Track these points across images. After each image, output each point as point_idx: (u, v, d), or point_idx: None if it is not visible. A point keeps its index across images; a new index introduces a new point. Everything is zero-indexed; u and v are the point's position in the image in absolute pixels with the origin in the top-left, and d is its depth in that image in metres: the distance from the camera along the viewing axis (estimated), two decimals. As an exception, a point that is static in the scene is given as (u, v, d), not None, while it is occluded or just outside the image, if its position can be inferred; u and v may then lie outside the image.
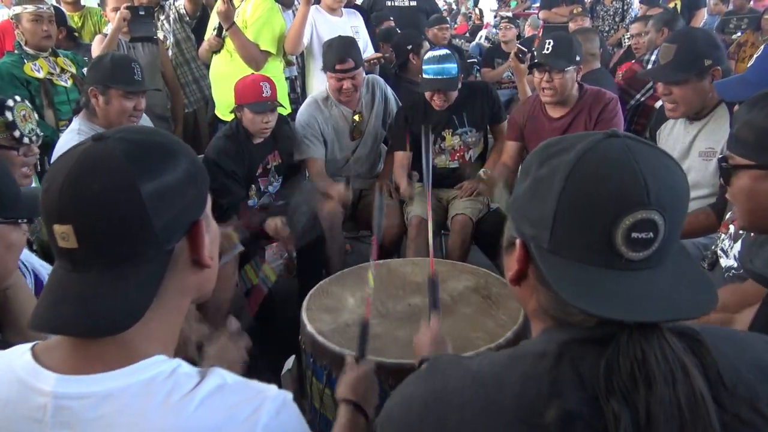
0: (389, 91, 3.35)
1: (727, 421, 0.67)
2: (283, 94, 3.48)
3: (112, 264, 0.75)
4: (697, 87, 2.17)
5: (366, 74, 3.29)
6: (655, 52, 3.99)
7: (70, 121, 2.70)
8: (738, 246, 1.77)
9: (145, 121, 2.71)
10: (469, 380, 0.74)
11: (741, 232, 1.74)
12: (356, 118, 3.17)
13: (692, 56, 2.15)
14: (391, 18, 5.07)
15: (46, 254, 1.97)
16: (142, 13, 3.40)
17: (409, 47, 4.15)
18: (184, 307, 0.85)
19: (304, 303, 1.91)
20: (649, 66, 3.93)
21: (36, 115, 1.98)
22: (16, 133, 1.82)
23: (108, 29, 3.48)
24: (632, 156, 0.70)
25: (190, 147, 0.85)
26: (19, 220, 1.25)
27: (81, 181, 0.74)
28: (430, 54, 2.94)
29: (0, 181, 1.21)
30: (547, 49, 2.67)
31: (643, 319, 0.69)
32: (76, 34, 4.07)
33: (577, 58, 2.69)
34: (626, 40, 5.79)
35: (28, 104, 1.93)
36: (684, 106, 2.21)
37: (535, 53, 2.80)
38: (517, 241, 0.79)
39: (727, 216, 1.85)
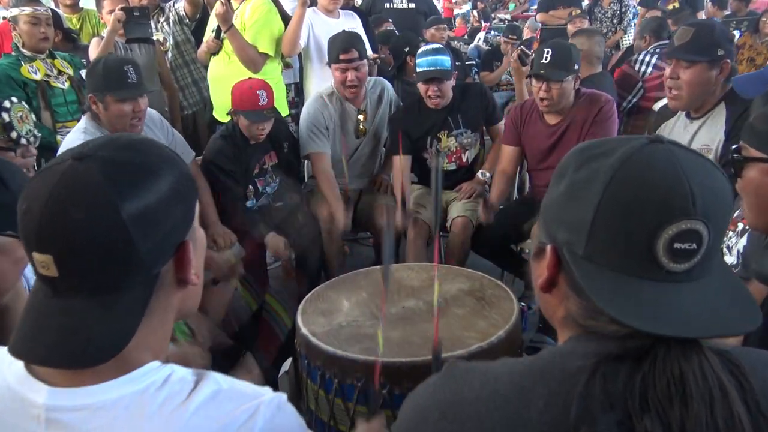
0: (394, 95, 3.35)
1: None
2: (280, 97, 3.49)
3: (96, 292, 0.73)
4: (705, 75, 2.16)
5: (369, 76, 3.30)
6: (644, 53, 4.02)
7: (78, 121, 2.70)
8: (743, 241, 1.76)
9: (154, 116, 2.72)
10: (488, 391, 0.71)
11: (748, 227, 1.74)
12: (360, 117, 3.17)
13: (708, 42, 2.15)
14: (390, 20, 5.07)
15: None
16: (137, 14, 3.40)
17: (407, 49, 4.15)
18: (171, 320, 0.84)
19: (300, 307, 1.91)
20: (637, 66, 3.96)
21: (33, 117, 1.98)
22: (13, 134, 1.82)
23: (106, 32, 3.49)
24: (677, 163, 0.67)
25: (177, 157, 0.82)
26: None
27: (61, 209, 0.71)
28: (423, 48, 2.97)
29: (19, 195, 1.21)
30: (546, 59, 2.63)
31: (685, 334, 0.65)
32: (75, 35, 4.08)
33: (576, 67, 2.68)
34: (624, 43, 5.81)
35: (25, 105, 1.93)
36: (687, 93, 2.20)
37: (533, 61, 2.79)
38: (548, 247, 0.75)
39: (735, 214, 1.85)
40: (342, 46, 2.97)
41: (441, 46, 2.97)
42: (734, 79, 2.02)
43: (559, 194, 0.74)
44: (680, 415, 0.63)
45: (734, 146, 1.29)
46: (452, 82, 2.97)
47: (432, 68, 2.89)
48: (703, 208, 0.65)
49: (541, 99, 2.71)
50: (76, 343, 0.72)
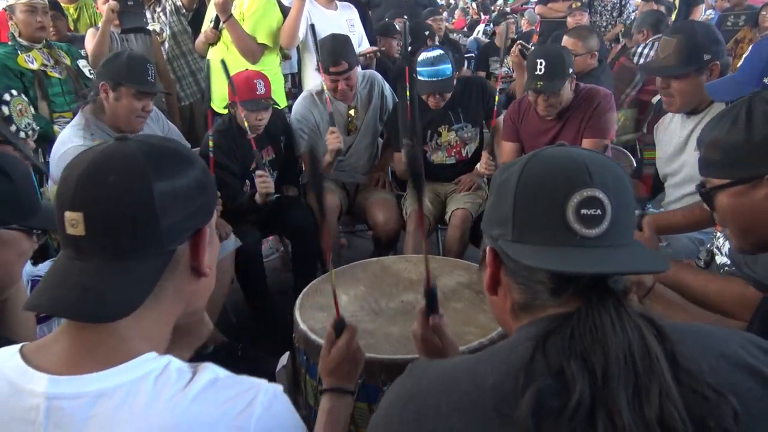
0: (387, 87, 3.32)
1: (685, 394, 0.70)
2: (278, 88, 3.48)
3: (115, 255, 0.77)
4: (696, 82, 2.16)
5: (363, 69, 3.26)
6: (641, 45, 4.00)
7: (74, 113, 2.69)
8: (729, 243, 1.77)
9: (156, 114, 2.72)
10: (444, 378, 0.78)
11: None
12: (351, 113, 3.16)
13: (692, 51, 2.14)
14: (405, 17, 5.01)
15: (42, 253, 1.96)
16: (131, 3, 3.38)
17: (427, 33, 4.13)
18: (177, 312, 0.87)
19: (297, 301, 1.91)
20: (635, 58, 3.94)
21: (32, 109, 1.97)
22: (12, 128, 1.81)
23: (103, 22, 3.47)
24: (573, 152, 0.83)
25: (203, 160, 0.89)
26: (34, 231, 1.25)
27: (98, 173, 0.78)
28: (423, 55, 2.89)
29: (24, 189, 1.21)
30: (540, 71, 2.56)
31: (597, 269, 0.76)
32: (71, 26, 4.05)
33: (570, 71, 2.61)
34: (623, 36, 5.79)
35: (25, 98, 1.92)
36: (681, 100, 2.21)
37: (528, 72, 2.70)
38: (487, 247, 0.86)
39: None
40: (332, 59, 2.94)
41: (441, 52, 2.87)
42: (706, 86, 2.00)
43: (491, 201, 0.87)
44: (602, 356, 0.71)
45: (697, 184, 1.33)
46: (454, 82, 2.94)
47: (433, 79, 2.84)
48: (599, 180, 0.79)
49: (543, 107, 2.69)
50: (90, 301, 0.76)
